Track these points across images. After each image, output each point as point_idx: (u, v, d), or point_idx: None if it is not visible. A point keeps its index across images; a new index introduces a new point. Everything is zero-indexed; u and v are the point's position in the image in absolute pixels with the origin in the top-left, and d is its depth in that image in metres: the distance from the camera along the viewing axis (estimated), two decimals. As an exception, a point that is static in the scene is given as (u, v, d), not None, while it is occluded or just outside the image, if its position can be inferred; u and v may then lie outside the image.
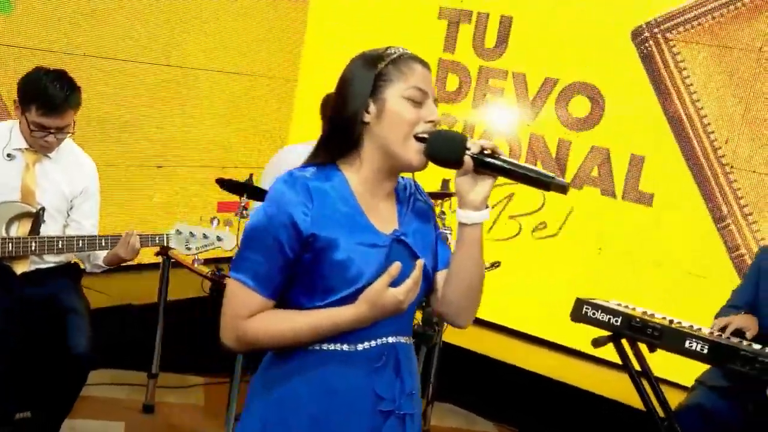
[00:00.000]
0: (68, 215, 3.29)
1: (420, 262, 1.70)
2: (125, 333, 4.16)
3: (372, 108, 1.71)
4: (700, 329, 3.04)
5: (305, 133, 5.15)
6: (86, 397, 3.45)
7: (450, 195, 4.25)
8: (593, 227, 4.96)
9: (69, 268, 3.36)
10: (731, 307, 3.42)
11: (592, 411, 4.30)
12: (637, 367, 3.20)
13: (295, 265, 1.68)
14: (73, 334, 3.10)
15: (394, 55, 1.73)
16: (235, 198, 3.71)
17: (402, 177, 1.84)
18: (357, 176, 1.75)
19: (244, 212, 3.57)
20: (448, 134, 1.75)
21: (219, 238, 3.33)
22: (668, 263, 4.68)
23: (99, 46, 4.65)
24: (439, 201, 4.10)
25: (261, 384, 1.78)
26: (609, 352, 3.21)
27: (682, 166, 4.70)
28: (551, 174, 1.69)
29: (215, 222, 3.35)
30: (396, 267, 1.65)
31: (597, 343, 3.11)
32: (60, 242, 3.11)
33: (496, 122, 5.35)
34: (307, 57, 5.92)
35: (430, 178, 1.85)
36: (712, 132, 4.61)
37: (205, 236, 3.31)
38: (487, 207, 1.74)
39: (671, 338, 2.93)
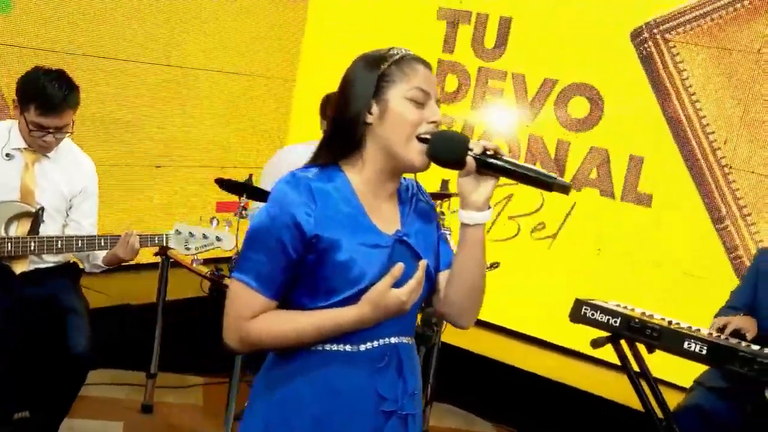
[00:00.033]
0: (67, 215, 3.29)
1: (423, 263, 1.71)
2: (124, 333, 4.16)
3: (374, 109, 1.71)
4: (698, 330, 3.04)
5: (304, 133, 5.16)
6: (85, 397, 3.45)
7: (449, 196, 4.25)
8: (592, 228, 4.96)
9: (68, 267, 3.36)
10: (730, 308, 3.42)
11: (590, 412, 4.30)
12: (636, 368, 3.20)
13: (298, 265, 1.68)
14: (73, 334, 3.10)
15: (397, 56, 1.73)
16: (233, 198, 3.71)
17: (404, 178, 1.84)
18: (359, 177, 1.75)
19: (244, 212, 3.57)
20: (450, 135, 1.75)
21: (218, 239, 3.33)
22: (667, 264, 4.68)
23: (98, 46, 4.65)
24: (438, 201, 4.10)
25: (264, 384, 1.78)
26: (608, 353, 3.21)
27: (681, 167, 4.70)
28: (553, 174, 1.69)
29: (214, 222, 3.35)
30: (399, 268, 1.66)
31: (596, 343, 3.11)
32: (59, 242, 3.11)
33: (495, 123, 5.35)
34: (306, 57, 5.92)
35: (430, 178, 1.85)
36: (711, 133, 4.62)
37: (204, 236, 3.31)
38: (489, 207, 1.75)
39: (670, 339, 2.93)
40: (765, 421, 3.08)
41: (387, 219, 1.77)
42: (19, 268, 3.13)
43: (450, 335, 4.08)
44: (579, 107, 5.03)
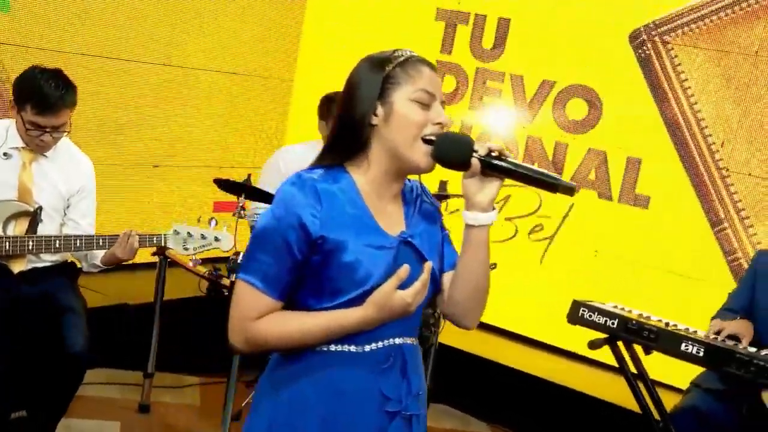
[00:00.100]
0: (65, 214, 3.29)
1: (428, 265, 1.72)
2: (121, 332, 4.16)
3: (380, 110, 1.72)
4: (695, 332, 3.04)
5: (302, 133, 5.16)
6: (82, 397, 3.45)
7: (447, 196, 4.26)
8: (590, 230, 4.97)
9: (66, 267, 3.36)
10: (727, 310, 3.42)
11: (587, 413, 4.30)
12: (633, 370, 3.20)
13: (303, 266, 1.68)
14: (70, 333, 3.09)
15: (402, 58, 1.74)
16: (231, 198, 3.71)
17: (408, 179, 1.85)
18: (364, 178, 1.75)
19: (242, 212, 3.58)
20: (455, 136, 1.75)
21: (217, 239, 3.33)
22: (664, 266, 4.69)
23: (97, 46, 4.65)
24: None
25: (269, 385, 1.78)
26: (605, 355, 3.21)
27: (679, 170, 4.71)
28: (558, 176, 1.70)
29: (213, 222, 3.35)
30: (405, 270, 1.67)
31: (593, 345, 3.11)
32: (57, 241, 3.10)
33: (493, 124, 5.35)
34: (304, 57, 5.92)
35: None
36: (709, 135, 4.63)
37: (202, 236, 3.31)
38: (494, 209, 1.76)
39: (667, 341, 2.94)
40: (761, 422, 3.08)
41: (392, 220, 1.77)
42: (17, 267, 3.13)
43: (447, 336, 4.08)
44: (577, 109, 5.03)
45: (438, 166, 1.75)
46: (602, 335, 3.10)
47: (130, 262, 3.31)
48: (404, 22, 5.52)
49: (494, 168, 1.71)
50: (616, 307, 3.20)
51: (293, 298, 1.72)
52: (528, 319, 5.09)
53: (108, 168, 4.67)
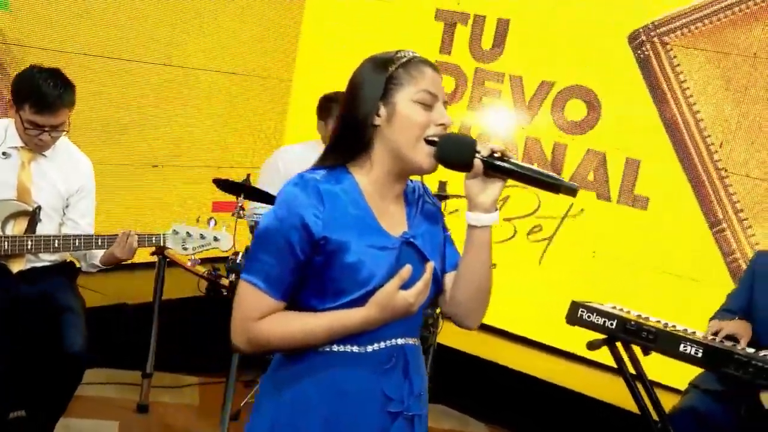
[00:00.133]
0: (64, 214, 3.29)
1: (430, 265, 1.72)
2: (120, 332, 4.16)
3: (382, 111, 1.72)
4: (694, 333, 3.05)
5: (301, 133, 5.16)
6: (80, 397, 3.45)
7: (446, 197, 4.26)
8: (588, 231, 4.97)
9: (65, 266, 3.35)
10: (726, 311, 3.43)
11: (586, 414, 4.30)
12: (632, 371, 3.21)
13: (306, 267, 1.69)
14: (69, 333, 3.09)
15: (404, 59, 1.75)
16: (230, 198, 3.71)
17: (410, 180, 1.85)
18: (367, 179, 1.76)
19: (242, 212, 3.58)
20: (458, 137, 1.76)
21: (216, 239, 3.33)
22: (663, 267, 4.69)
23: (98, 46, 4.64)
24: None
25: (271, 385, 1.78)
26: (604, 355, 3.21)
27: (678, 171, 4.72)
28: (560, 177, 1.70)
29: (212, 222, 3.35)
30: (407, 270, 1.67)
31: (592, 346, 3.12)
32: (56, 241, 3.10)
33: (492, 125, 5.35)
34: (302, 57, 5.92)
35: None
36: (708, 136, 4.63)
37: (202, 236, 3.31)
38: (496, 209, 1.76)
39: (666, 342, 2.94)
40: (760, 424, 3.08)
41: (394, 221, 1.78)
42: (16, 266, 3.13)
43: (445, 336, 4.08)
44: (576, 110, 5.04)
45: (439, 167, 1.75)
46: (601, 336, 3.11)
47: (129, 261, 3.31)
48: (403, 22, 5.52)
49: (497, 169, 1.71)
50: (614, 308, 3.20)
51: (296, 299, 1.72)
52: (526, 320, 5.09)
53: (107, 168, 4.66)
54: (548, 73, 5.10)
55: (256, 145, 5.73)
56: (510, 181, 1.75)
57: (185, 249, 3.30)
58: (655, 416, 3.23)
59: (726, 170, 4.58)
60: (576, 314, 3.14)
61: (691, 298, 4.45)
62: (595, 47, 4.96)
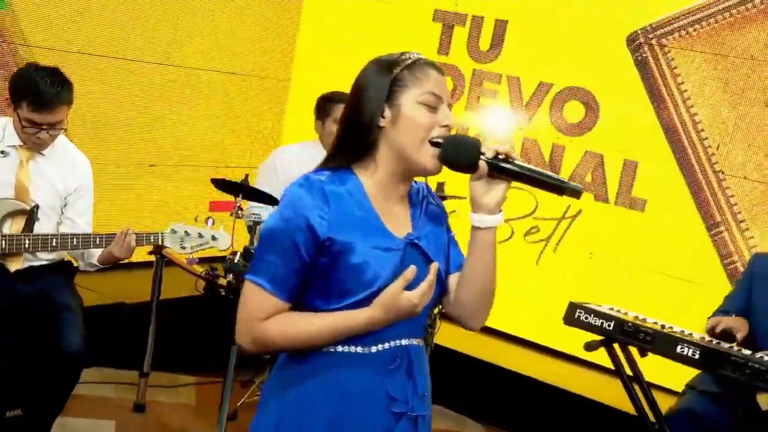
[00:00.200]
0: (62, 212, 3.28)
1: (434, 266, 1.73)
2: (117, 331, 4.15)
3: (387, 113, 1.73)
4: (691, 334, 3.05)
5: (298, 133, 5.15)
6: (77, 396, 3.44)
7: (445, 198, 4.25)
8: (586, 232, 4.98)
9: (62, 265, 3.35)
10: (723, 312, 3.44)
11: (583, 415, 4.30)
12: (629, 372, 3.21)
13: (311, 268, 1.69)
14: (67, 332, 3.09)
15: (409, 61, 1.75)
16: (227, 198, 3.70)
17: (415, 181, 1.86)
18: (371, 180, 1.76)
19: (240, 212, 3.57)
20: (462, 139, 1.76)
21: (214, 238, 3.33)
22: (660, 269, 4.70)
23: (97, 45, 4.64)
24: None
25: (276, 384, 1.79)
26: (601, 357, 3.22)
27: (676, 172, 4.72)
28: (564, 179, 1.70)
29: (210, 222, 3.35)
30: (411, 271, 1.68)
31: (589, 347, 3.12)
32: (54, 240, 3.10)
33: (490, 126, 5.36)
34: (300, 57, 5.92)
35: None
36: (706, 138, 4.64)
37: (200, 236, 3.31)
38: (500, 211, 1.77)
39: (663, 343, 2.95)
40: (756, 425, 3.09)
41: (398, 222, 1.79)
42: (14, 265, 3.13)
43: (443, 337, 4.08)
44: (574, 111, 5.04)
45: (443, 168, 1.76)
46: (598, 337, 3.11)
47: (127, 261, 3.31)
48: (401, 23, 5.53)
49: (501, 170, 1.71)
50: (612, 309, 3.21)
51: (301, 300, 1.73)
52: (524, 321, 5.09)
53: (105, 167, 4.66)
54: (546, 75, 5.11)
55: (254, 145, 5.73)
56: None
57: (183, 248, 3.29)
58: (652, 417, 3.23)
59: (723, 172, 4.58)
60: (573, 315, 3.15)
61: (689, 299, 4.45)
62: (593, 49, 4.96)
